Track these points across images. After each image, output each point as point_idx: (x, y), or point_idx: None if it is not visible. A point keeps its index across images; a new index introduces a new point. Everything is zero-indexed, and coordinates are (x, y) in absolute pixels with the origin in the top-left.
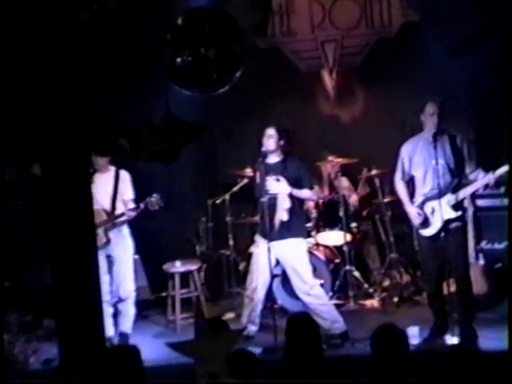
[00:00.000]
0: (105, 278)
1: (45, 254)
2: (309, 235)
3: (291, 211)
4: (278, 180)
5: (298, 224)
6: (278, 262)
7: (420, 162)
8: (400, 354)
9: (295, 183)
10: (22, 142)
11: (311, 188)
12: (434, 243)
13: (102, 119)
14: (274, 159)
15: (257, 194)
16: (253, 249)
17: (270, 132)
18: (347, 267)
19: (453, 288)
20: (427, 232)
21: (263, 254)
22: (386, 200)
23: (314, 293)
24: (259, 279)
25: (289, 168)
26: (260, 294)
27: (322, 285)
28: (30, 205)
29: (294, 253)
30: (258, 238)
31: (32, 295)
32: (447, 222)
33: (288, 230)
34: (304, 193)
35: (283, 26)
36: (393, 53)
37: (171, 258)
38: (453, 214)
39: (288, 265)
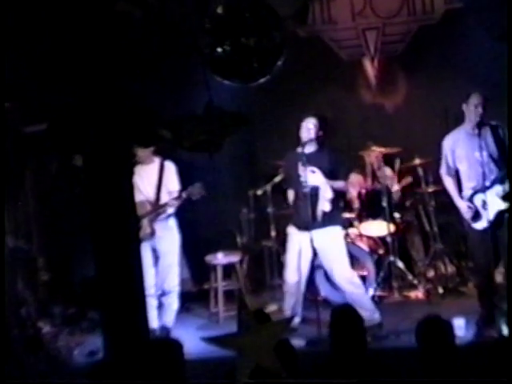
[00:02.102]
0: (150, 271)
1: (88, 245)
2: (351, 225)
3: (333, 201)
4: (313, 171)
5: (336, 213)
6: (315, 254)
7: (463, 154)
8: (446, 345)
9: (330, 174)
10: (63, 134)
11: (346, 179)
12: (485, 235)
13: (143, 110)
14: (309, 149)
15: (293, 184)
16: (288, 243)
17: (311, 121)
18: (391, 258)
19: (499, 278)
20: (479, 225)
21: (298, 245)
22: (430, 190)
23: (355, 281)
24: (296, 272)
25: (324, 158)
26: (300, 286)
27: (365, 276)
28: (71, 197)
29: (336, 241)
30: (293, 230)
31: (76, 287)
32: (499, 214)
33: (329, 219)
34: (337, 184)
35: (324, 14)
36: (435, 40)
37: (213, 250)
38: (503, 205)
39: (330, 253)
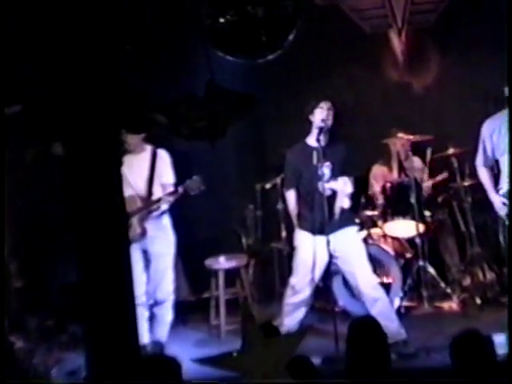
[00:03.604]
0: (141, 277)
1: (68, 247)
2: (375, 225)
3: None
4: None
5: (350, 211)
6: (330, 258)
7: (504, 144)
8: (485, 365)
9: (339, 168)
10: (40, 118)
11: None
12: None
13: (134, 90)
14: (324, 141)
15: (301, 182)
16: (298, 248)
17: (327, 106)
18: (420, 263)
19: None
20: None
21: (311, 250)
22: (466, 184)
23: (380, 287)
24: (309, 281)
25: (339, 152)
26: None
27: (390, 283)
28: (49, 191)
29: (356, 242)
30: (304, 235)
31: (54, 296)
32: None
33: (346, 218)
34: (339, 183)
35: None
36: (473, 10)
37: (214, 253)
38: None
39: (352, 257)
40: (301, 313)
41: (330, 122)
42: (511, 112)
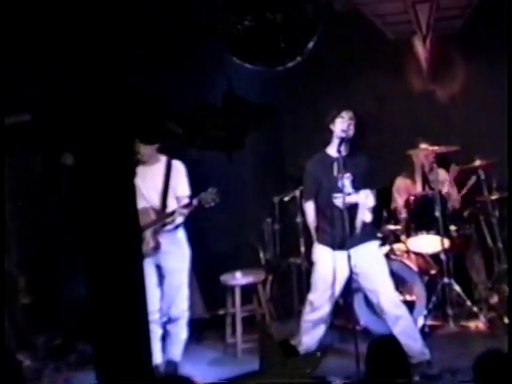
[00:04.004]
0: (154, 293)
1: (78, 261)
2: (398, 240)
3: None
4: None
5: (372, 225)
6: (351, 275)
7: None
8: None
9: (361, 180)
10: (50, 127)
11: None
12: None
13: (147, 98)
14: (344, 151)
15: (321, 194)
16: (317, 264)
17: (349, 115)
18: (445, 280)
19: None
20: None
21: (331, 266)
22: (493, 197)
23: (403, 305)
24: (329, 298)
25: (361, 163)
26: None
27: (413, 301)
28: (59, 202)
29: (377, 259)
30: (323, 250)
31: (63, 313)
32: None
33: (367, 232)
34: (360, 196)
35: None
36: (500, 16)
37: (230, 268)
38: None
39: (374, 274)
40: (320, 330)
41: (351, 133)
42: (510, 110)
